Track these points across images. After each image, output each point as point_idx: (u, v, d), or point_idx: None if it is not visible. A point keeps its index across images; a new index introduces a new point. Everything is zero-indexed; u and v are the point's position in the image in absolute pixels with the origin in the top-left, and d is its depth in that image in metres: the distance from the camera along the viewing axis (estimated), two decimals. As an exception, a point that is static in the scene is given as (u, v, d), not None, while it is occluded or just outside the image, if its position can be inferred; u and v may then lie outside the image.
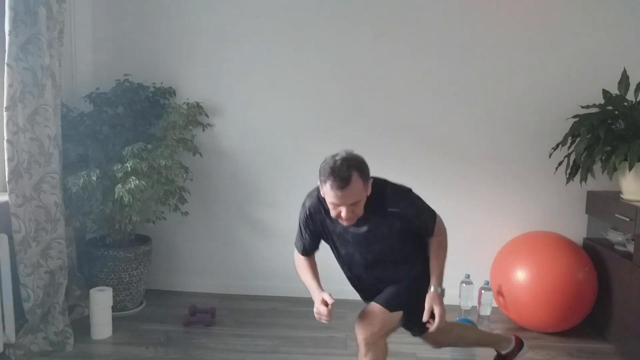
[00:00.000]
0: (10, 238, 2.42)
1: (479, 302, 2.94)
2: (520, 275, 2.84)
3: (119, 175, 2.71)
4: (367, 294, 2.11)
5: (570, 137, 2.94)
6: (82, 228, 3.15)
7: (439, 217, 2.05)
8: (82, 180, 2.63)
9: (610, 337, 2.85)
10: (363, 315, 2.00)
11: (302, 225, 2.05)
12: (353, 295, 3.34)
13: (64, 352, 2.56)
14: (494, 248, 3.19)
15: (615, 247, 2.92)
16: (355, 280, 2.13)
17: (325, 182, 1.78)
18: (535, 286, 2.79)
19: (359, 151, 3.50)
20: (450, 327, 2.22)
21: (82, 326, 2.78)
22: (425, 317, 1.90)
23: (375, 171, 1.99)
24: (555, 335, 2.92)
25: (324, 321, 1.89)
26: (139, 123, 3.07)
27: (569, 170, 2.99)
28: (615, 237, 2.92)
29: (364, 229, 1.92)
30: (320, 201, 1.95)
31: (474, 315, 2.98)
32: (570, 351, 2.76)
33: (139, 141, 2.82)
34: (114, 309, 2.82)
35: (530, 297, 2.81)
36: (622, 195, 2.88)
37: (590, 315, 2.92)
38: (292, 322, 3.01)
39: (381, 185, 1.93)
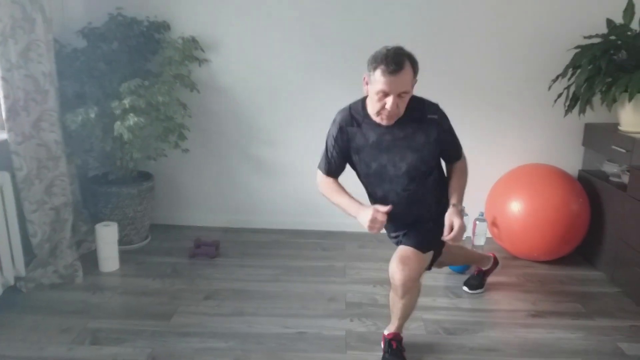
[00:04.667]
0: (13, 176, 2.45)
1: (474, 233, 3.03)
2: (515, 206, 2.90)
3: (117, 112, 2.70)
4: (396, 224, 2.11)
5: (570, 69, 2.90)
6: (84, 165, 3.18)
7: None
8: (80, 118, 2.63)
9: (600, 265, 2.96)
10: (398, 260, 1.96)
11: (330, 143, 2.02)
12: (351, 227, 3.44)
13: (74, 284, 2.66)
14: (490, 180, 3.23)
15: (610, 178, 2.96)
16: (384, 202, 2.01)
17: (375, 68, 1.77)
18: (529, 217, 2.86)
19: (357, 83, 3.44)
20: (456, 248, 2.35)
21: (90, 260, 2.87)
22: (446, 232, 1.90)
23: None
24: (546, 264, 3.03)
25: (376, 231, 1.86)
26: (135, 59, 3.02)
27: (567, 102, 2.98)
28: (610, 168, 2.96)
29: (401, 134, 1.93)
30: (352, 114, 1.97)
31: (468, 246, 3.07)
32: (561, 279, 2.87)
33: (135, 77, 2.79)
34: (120, 243, 2.90)
35: (524, 228, 2.89)
36: (619, 127, 2.89)
37: (582, 245, 3.02)
38: (293, 253, 3.11)
39: (419, 97, 1.96)
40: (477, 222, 3.01)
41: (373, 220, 1.84)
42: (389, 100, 1.80)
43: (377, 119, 1.91)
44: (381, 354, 2.12)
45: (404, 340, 2.14)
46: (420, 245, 1.99)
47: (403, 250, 2.00)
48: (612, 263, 2.82)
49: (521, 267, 3.01)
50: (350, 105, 2.02)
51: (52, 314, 2.37)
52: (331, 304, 2.54)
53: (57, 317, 2.34)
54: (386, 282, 2.76)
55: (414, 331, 2.32)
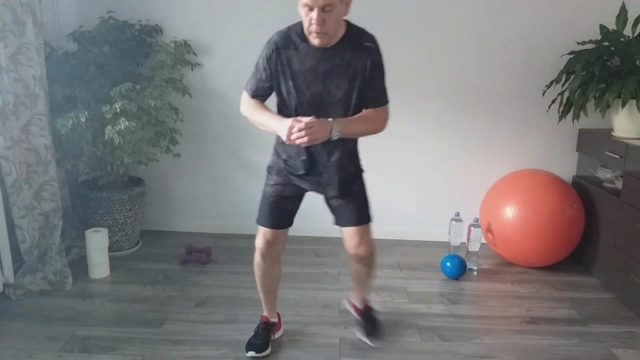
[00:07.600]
0: (1, 181, 2.42)
1: (468, 239, 3.01)
2: (510, 212, 2.89)
3: (108, 116, 2.67)
4: (315, 163, 1.99)
5: (564, 74, 2.90)
6: (74, 170, 3.14)
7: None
8: (70, 122, 2.60)
9: (594, 270, 2.95)
10: (350, 238, 2.05)
11: (261, 63, 1.90)
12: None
13: (63, 291, 2.62)
14: (484, 186, 3.23)
15: (604, 184, 2.96)
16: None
17: None
18: (523, 223, 2.85)
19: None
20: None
21: (80, 266, 2.83)
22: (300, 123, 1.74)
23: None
24: (540, 270, 3.02)
25: (294, 139, 1.74)
26: (126, 63, 2.99)
27: (561, 108, 2.98)
28: (604, 174, 2.96)
29: (338, 60, 1.84)
30: (290, 36, 1.89)
31: (463, 252, 3.06)
32: (555, 284, 2.87)
33: (126, 81, 2.76)
34: (110, 249, 2.86)
35: (519, 234, 2.88)
36: (613, 133, 2.89)
37: (576, 251, 3.01)
38: (286, 259, 3.03)
39: (357, 26, 1.92)
40: (472, 228, 3.00)
41: (291, 127, 1.74)
42: (314, 15, 1.73)
43: (311, 40, 1.82)
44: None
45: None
46: (362, 221, 2.03)
47: (350, 230, 2.04)
48: (606, 269, 2.82)
49: (515, 273, 3.00)
50: (289, 26, 1.92)
51: (41, 321, 2.33)
52: (325, 311, 2.51)
53: (45, 325, 2.30)
54: (380, 289, 2.75)
55: (408, 338, 2.30)
